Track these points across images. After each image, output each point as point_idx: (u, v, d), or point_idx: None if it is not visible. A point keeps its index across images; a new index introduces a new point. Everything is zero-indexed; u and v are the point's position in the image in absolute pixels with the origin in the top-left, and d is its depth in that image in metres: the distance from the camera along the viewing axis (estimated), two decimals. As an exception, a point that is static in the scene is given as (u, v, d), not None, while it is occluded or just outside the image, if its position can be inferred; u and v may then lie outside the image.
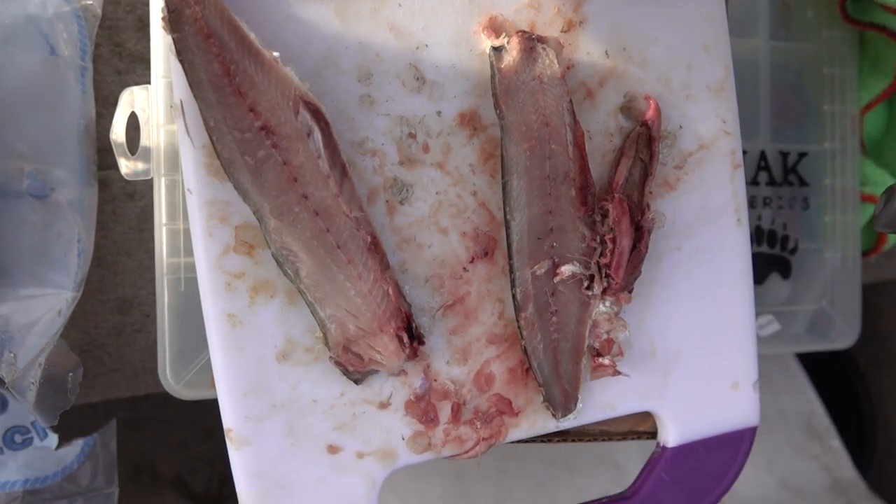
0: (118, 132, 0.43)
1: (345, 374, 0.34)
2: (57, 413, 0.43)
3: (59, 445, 0.46)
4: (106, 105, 0.49)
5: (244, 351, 0.33)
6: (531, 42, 0.35)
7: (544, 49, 0.35)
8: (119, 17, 0.50)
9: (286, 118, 0.32)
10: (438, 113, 0.35)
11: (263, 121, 0.32)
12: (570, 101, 0.36)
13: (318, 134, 0.33)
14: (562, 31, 0.37)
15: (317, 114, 0.33)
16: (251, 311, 0.33)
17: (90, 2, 0.48)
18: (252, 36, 0.32)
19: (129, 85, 0.50)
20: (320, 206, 0.33)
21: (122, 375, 0.50)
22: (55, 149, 0.46)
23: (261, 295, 0.33)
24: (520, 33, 0.35)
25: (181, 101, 0.32)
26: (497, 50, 0.35)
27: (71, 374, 0.43)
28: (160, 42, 0.40)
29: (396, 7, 0.34)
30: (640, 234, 0.37)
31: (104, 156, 0.49)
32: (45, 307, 0.43)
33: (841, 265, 0.59)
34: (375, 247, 0.33)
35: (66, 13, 0.47)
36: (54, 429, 0.45)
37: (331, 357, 0.34)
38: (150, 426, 0.77)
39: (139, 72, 0.50)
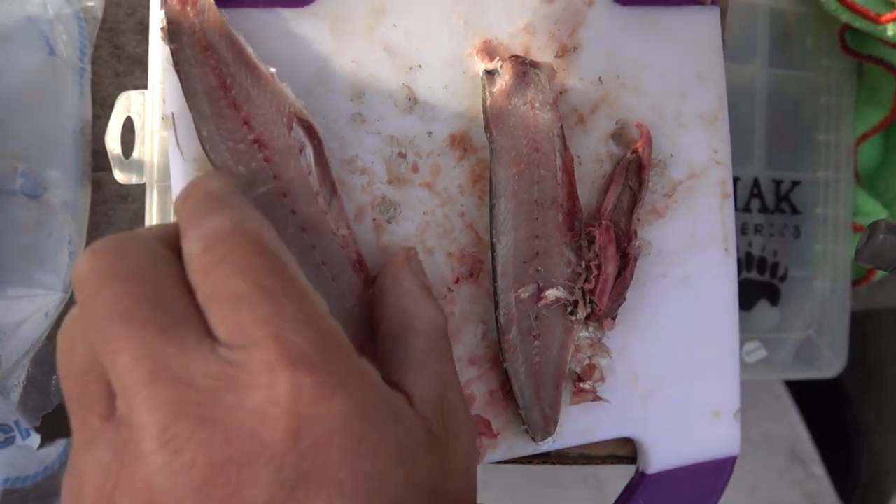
0: (113, 137, 0.44)
1: None
2: (39, 415, 0.43)
3: (41, 445, 0.46)
4: (103, 107, 0.49)
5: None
6: (524, 66, 0.35)
7: (537, 74, 0.35)
8: (120, 19, 0.50)
9: (279, 133, 0.32)
10: (429, 133, 0.35)
11: (257, 134, 0.32)
12: (562, 126, 0.36)
13: (310, 150, 0.33)
14: (556, 57, 0.37)
15: (310, 130, 0.33)
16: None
17: (91, 4, 0.48)
18: (249, 50, 0.32)
19: (127, 87, 0.50)
20: (308, 222, 0.33)
21: (108, 377, 0.50)
22: (50, 149, 0.46)
23: (244, 308, 0.33)
24: (513, 58, 0.35)
25: (172, 114, 0.32)
26: (490, 73, 0.35)
27: (55, 376, 0.44)
28: (159, 48, 0.41)
29: (391, 27, 0.35)
30: (625, 261, 0.37)
31: (99, 157, 0.49)
32: (32, 308, 0.44)
33: (830, 294, 0.59)
34: (360, 265, 0.34)
35: (67, 15, 0.47)
36: (37, 429, 0.45)
37: None
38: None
39: (137, 74, 0.50)
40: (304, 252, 0.33)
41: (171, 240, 0.25)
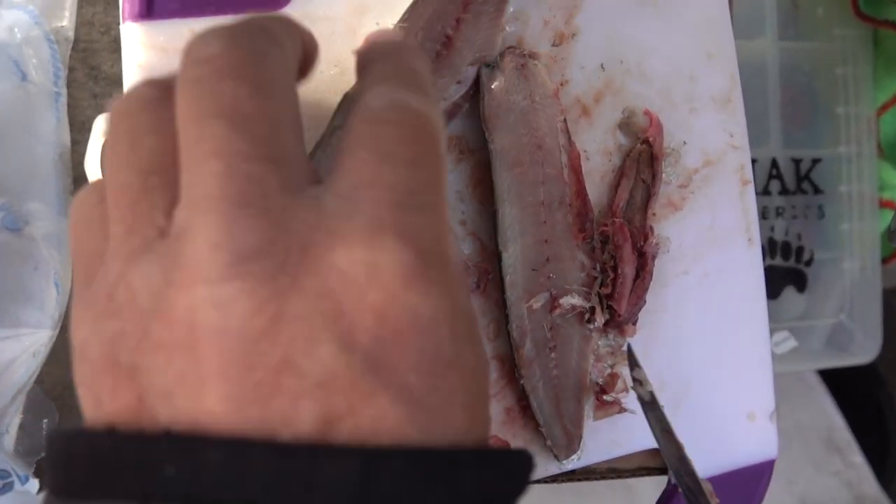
0: (91, 163, 0.41)
1: None
2: (34, 460, 0.41)
3: (40, 490, 0.44)
4: (82, 131, 0.47)
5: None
6: (522, 58, 0.33)
7: (535, 65, 0.33)
8: (93, 38, 0.48)
9: None
10: (422, 138, 0.33)
11: None
12: (565, 120, 0.33)
13: None
14: (553, 45, 0.34)
15: None
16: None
17: (62, 24, 0.46)
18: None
19: (106, 109, 0.48)
20: None
21: (107, 413, 0.48)
22: (28, 180, 0.44)
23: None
24: (510, 49, 0.33)
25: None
26: (488, 67, 0.32)
27: (46, 420, 0.41)
28: (132, 67, 0.38)
29: (374, 26, 0.32)
30: (643, 260, 0.35)
31: (81, 184, 0.46)
32: (20, 348, 0.41)
33: (860, 275, 0.56)
34: None
35: (36, 37, 0.44)
36: (34, 473, 0.43)
37: None
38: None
39: (116, 95, 0.48)
40: None
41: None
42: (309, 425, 0.17)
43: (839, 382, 0.72)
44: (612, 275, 0.34)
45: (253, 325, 0.17)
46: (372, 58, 0.23)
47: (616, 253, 0.34)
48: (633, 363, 0.32)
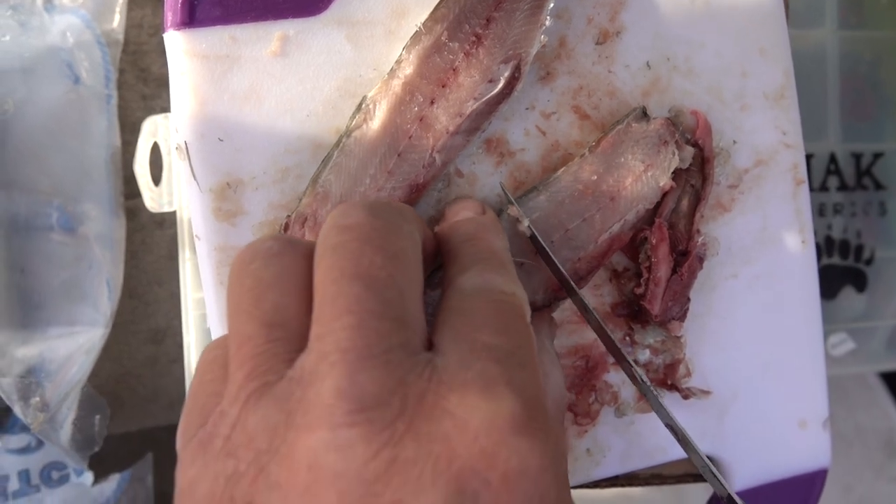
0: (141, 164, 0.42)
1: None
2: (87, 454, 0.42)
3: (96, 481, 0.45)
4: (133, 132, 0.48)
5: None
6: (672, 134, 0.33)
7: (675, 153, 0.33)
8: (142, 41, 0.48)
9: None
10: (462, 140, 0.32)
11: None
12: (649, 211, 0.33)
13: None
14: (597, 44, 0.33)
15: None
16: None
17: (112, 27, 0.46)
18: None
19: (155, 110, 0.49)
20: (427, 118, 0.31)
21: (158, 406, 0.49)
22: (81, 181, 0.45)
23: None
24: (667, 120, 0.33)
25: (185, 143, 0.30)
26: (644, 113, 0.33)
27: (98, 416, 0.43)
28: (178, 69, 0.39)
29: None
30: (684, 259, 0.34)
31: (131, 184, 0.47)
32: (74, 346, 0.43)
33: (924, 274, 0.54)
34: (418, 188, 0.31)
35: (87, 41, 0.45)
36: (90, 466, 0.44)
37: (287, 217, 0.31)
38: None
39: (165, 97, 0.49)
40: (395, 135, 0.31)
41: (426, 250, 0.25)
42: None
43: (901, 384, 0.70)
44: (646, 275, 0.33)
45: (369, 469, 0.19)
46: (457, 241, 0.27)
47: (652, 253, 0.33)
48: (508, 200, 0.32)
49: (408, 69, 0.30)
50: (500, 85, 0.30)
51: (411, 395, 0.20)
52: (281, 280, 0.23)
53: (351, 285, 0.21)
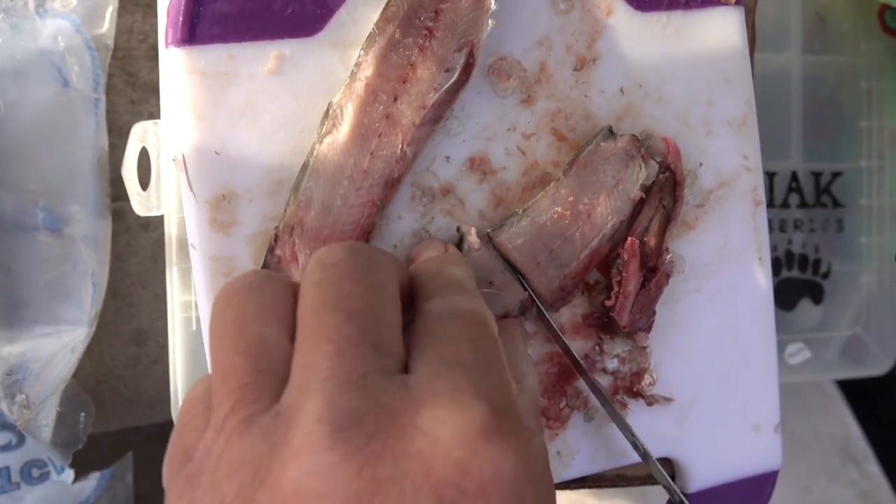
0: (129, 169, 0.43)
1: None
2: (70, 451, 0.43)
3: (76, 479, 0.46)
4: (120, 136, 0.49)
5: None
6: (637, 149, 0.35)
7: (641, 166, 0.35)
8: (132, 46, 0.49)
9: None
10: (447, 158, 0.34)
11: None
12: (622, 223, 0.35)
13: None
14: (574, 70, 0.35)
15: None
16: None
17: (102, 31, 0.47)
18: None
19: (143, 115, 0.50)
20: (392, 114, 0.32)
21: (139, 406, 0.50)
22: (68, 183, 0.46)
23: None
24: (633, 137, 0.35)
25: (183, 155, 0.32)
26: (611, 132, 0.35)
27: (83, 413, 0.44)
28: (168, 76, 0.40)
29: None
30: (652, 274, 0.36)
31: (118, 187, 0.48)
32: (59, 345, 0.44)
33: (877, 288, 0.57)
34: (393, 182, 0.32)
35: (78, 45, 0.46)
36: (70, 464, 0.45)
37: (275, 229, 0.32)
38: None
39: (153, 101, 0.50)
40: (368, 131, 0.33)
41: (403, 286, 0.26)
42: None
43: (857, 392, 0.73)
44: (616, 289, 0.35)
45: (352, 489, 0.20)
46: (423, 278, 0.28)
47: (623, 268, 0.35)
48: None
49: (367, 70, 0.32)
50: (458, 72, 0.32)
51: (385, 414, 0.21)
52: (264, 311, 0.24)
53: (331, 316, 0.22)
